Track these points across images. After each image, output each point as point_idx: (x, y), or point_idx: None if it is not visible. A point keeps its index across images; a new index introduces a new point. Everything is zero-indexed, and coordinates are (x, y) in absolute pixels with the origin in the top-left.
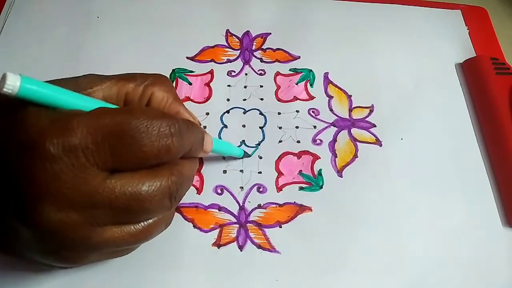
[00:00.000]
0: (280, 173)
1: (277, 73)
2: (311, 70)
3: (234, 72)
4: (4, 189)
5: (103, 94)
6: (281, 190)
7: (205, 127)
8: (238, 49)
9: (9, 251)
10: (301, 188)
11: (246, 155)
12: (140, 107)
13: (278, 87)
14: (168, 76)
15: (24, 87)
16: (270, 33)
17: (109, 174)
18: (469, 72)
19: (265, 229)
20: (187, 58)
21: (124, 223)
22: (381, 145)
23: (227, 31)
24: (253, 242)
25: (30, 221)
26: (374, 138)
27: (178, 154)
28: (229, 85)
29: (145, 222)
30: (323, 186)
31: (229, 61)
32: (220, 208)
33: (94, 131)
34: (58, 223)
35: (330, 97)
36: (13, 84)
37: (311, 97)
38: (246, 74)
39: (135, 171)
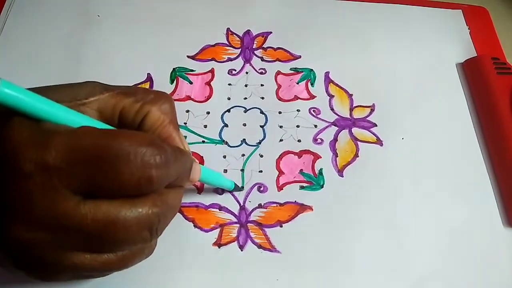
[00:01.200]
0: (281, 172)
1: (278, 72)
2: (312, 70)
3: (235, 70)
4: None
5: (98, 106)
6: (282, 189)
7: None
8: (238, 48)
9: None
10: (301, 188)
11: (237, 188)
12: (127, 131)
13: (279, 86)
14: (169, 75)
15: (3, 92)
16: (271, 32)
17: (82, 199)
18: (470, 71)
19: (266, 229)
20: (188, 57)
21: (96, 251)
22: (382, 145)
23: (228, 29)
24: (253, 242)
25: (0, 236)
26: (375, 137)
27: (162, 185)
28: (229, 84)
29: (120, 252)
30: (324, 186)
31: (229, 59)
32: (221, 208)
33: (71, 152)
34: (26, 242)
35: (331, 96)
36: None
37: (312, 96)
38: (247, 73)
39: (113, 199)
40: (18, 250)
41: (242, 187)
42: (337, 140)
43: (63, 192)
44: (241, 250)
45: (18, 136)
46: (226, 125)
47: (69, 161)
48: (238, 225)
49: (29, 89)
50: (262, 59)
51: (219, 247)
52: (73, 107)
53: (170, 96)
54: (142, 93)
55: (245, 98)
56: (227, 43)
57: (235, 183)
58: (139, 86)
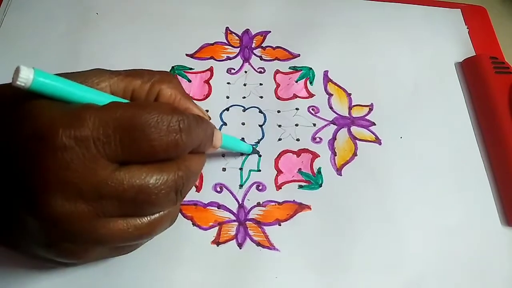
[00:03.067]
0: (279, 171)
1: (277, 71)
2: (310, 68)
3: (234, 69)
4: (12, 181)
5: (110, 90)
6: (281, 188)
7: (207, 110)
8: (237, 47)
9: (14, 245)
10: (300, 187)
11: (255, 151)
12: (152, 102)
13: (278, 85)
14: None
15: (37, 80)
16: (270, 31)
17: (118, 166)
18: (469, 71)
19: (265, 227)
20: (187, 55)
21: (130, 216)
22: (380, 144)
23: (227, 28)
24: (252, 240)
25: (38, 210)
26: (374, 136)
27: (186, 150)
28: (228, 83)
29: (151, 217)
30: (323, 185)
31: (228, 58)
32: (219, 206)
33: (105, 123)
34: (66, 212)
35: (330, 95)
36: (26, 77)
37: (311, 95)
38: (245, 72)
39: (143, 164)
40: (57, 222)
41: (259, 153)
42: (335, 139)
43: (101, 161)
44: (240, 248)
45: (51, 113)
46: (224, 124)
47: (104, 132)
48: (236, 223)
49: None
50: (261, 58)
51: (217, 245)
52: None
53: (172, 74)
54: (149, 74)
55: (244, 97)
56: (226, 42)
57: (253, 147)
58: None
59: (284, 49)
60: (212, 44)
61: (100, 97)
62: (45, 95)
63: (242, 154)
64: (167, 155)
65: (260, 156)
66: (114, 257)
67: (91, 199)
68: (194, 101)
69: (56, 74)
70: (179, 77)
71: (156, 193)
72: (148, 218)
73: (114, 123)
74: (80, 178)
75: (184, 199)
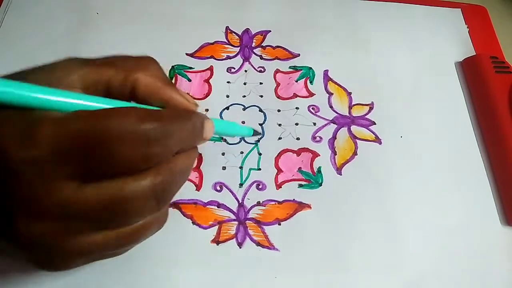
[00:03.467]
0: (279, 170)
1: (277, 71)
2: (310, 68)
3: (234, 68)
4: None
5: (82, 84)
6: (281, 187)
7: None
8: (237, 46)
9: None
10: (300, 186)
11: (256, 133)
12: (117, 109)
13: (278, 84)
14: (167, 72)
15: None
16: (270, 31)
17: (82, 183)
18: (469, 70)
19: (264, 227)
20: (187, 54)
21: (107, 228)
22: (380, 143)
23: (227, 28)
24: (252, 239)
25: (9, 235)
26: (374, 136)
27: (163, 158)
28: (228, 82)
29: (131, 226)
30: (323, 184)
31: (228, 57)
32: (219, 205)
33: (60, 141)
34: (36, 234)
35: (330, 94)
36: None
37: (311, 94)
38: (245, 71)
39: (113, 177)
40: (30, 244)
41: (262, 133)
42: (336, 138)
43: (59, 181)
44: (240, 248)
45: (6, 131)
46: None
47: (58, 151)
48: (236, 222)
49: (4, 76)
50: (261, 58)
51: (217, 244)
52: None
53: (151, 57)
54: (122, 61)
55: (244, 96)
56: (226, 41)
57: (254, 129)
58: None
59: (284, 49)
60: (212, 43)
61: (67, 98)
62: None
63: (241, 152)
64: (139, 168)
65: (262, 136)
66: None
67: (58, 218)
68: (195, 99)
69: (23, 70)
70: (179, 76)
71: (131, 203)
72: (130, 227)
73: (71, 139)
74: (42, 199)
75: (184, 198)
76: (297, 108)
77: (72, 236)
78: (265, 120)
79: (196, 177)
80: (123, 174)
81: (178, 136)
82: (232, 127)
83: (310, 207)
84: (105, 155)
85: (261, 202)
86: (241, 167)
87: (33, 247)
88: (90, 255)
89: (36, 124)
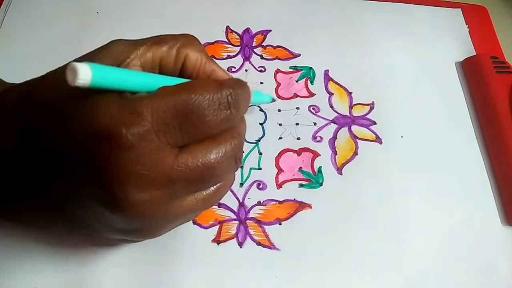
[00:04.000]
0: (280, 170)
1: (277, 71)
2: (311, 68)
3: (234, 68)
4: (78, 176)
5: (140, 62)
6: (281, 187)
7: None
8: (238, 46)
9: (86, 233)
10: (301, 185)
11: (274, 100)
12: (198, 81)
13: (278, 84)
14: None
15: (96, 76)
16: (271, 30)
17: (179, 150)
18: (469, 70)
19: (265, 226)
20: None
21: (197, 191)
22: (381, 143)
23: (227, 27)
24: (252, 239)
25: (117, 206)
26: (374, 135)
27: (237, 120)
28: None
29: (214, 186)
30: (323, 184)
31: (229, 57)
32: (220, 205)
33: (163, 113)
34: (143, 203)
35: (331, 94)
36: (85, 76)
37: (312, 94)
38: (246, 70)
39: (201, 143)
40: (136, 213)
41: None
42: (336, 138)
43: (165, 149)
44: (240, 247)
45: (109, 112)
46: None
47: (163, 122)
48: (237, 222)
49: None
50: (262, 57)
51: (218, 244)
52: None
53: (193, 36)
54: (173, 39)
55: None
56: (227, 40)
57: (272, 97)
58: None
59: (285, 49)
60: (213, 43)
61: (150, 80)
62: (99, 88)
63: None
64: (221, 130)
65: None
66: (113, 255)
67: (163, 185)
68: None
69: (81, 57)
70: None
71: (219, 165)
72: (213, 188)
73: (171, 111)
74: (150, 169)
75: None
76: (297, 108)
77: (172, 201)
78: (265, 119)
79: None
80: (207, 138)
81: (244, 101)
82: (258, 95)
83: (311, 207)
84: (196, 122)
85: (261, 201)
86: (241, 167)
87: (138, 216)
88: (183, 220)
89: (138, 102)
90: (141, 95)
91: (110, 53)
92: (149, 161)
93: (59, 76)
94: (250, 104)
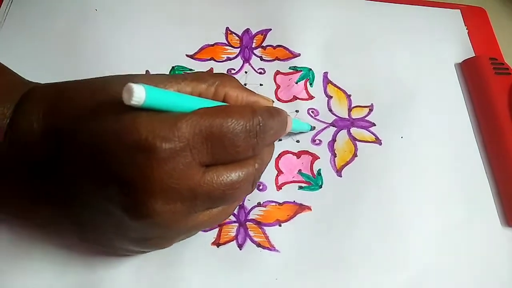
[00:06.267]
0: (279, 172)
1: (277, 72)
2: (310, 69)
3: (234, 70)
4: (106, 181)
5: None
6: (281, 188)
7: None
8: (238, 47)
9: (96, 242)
10: (300, 188)
11: (312, 128)
12: (234, 106)
13: (278, 86)
14: (168, 73)
15: (149, 98)
16: (271, 29)
17: (206, 168)
18: (468, 72)
19: (265, 228)
20: (187, 56)
21: (213, 208)
22: (380, 144)
23: (227, 28)
24: (252, 241)
25: (143, 215)
26: (374, 137)
27: (262, 148)
28: None
29: (231, 204)
30: (323, 186)
31: (228, 59)
32: None
33: (199, 132)
34: (166, 214)
35: (330, 97)
36: (139, 96)
37: (311, 97)
38: (246, 72)
39: (226, 164)
40: (157, 223)
41: (314, 127)
42: (335, 141)
43: (195, 166)
44: (240, 249)
45: (150, 125)
46: None
47: (198, 140)
48: (237, 224)
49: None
50: (261, 59)
51: (218, 247)
52: None
53: (230, 75)
54: (211, 77)
55: None
56: (226, 42)
57: (311, 125)
58: None
59: (285, 48)
60: (212, 45)
61: (191, 102)
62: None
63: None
64: (246, 156)
65: (314, 128)
66: (110, 259)
67: (188, 200)
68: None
69: (123, 76)
70: None
71: (238, 187)
72: (223, 206)
73: (206, 131)
74: (179, 183)
75: None
76: (297, 111)
77: (190, 215)
78: None
79: None
80: (233, 161)
81: (272, 131)
82: (296, 122)
83: (310, 209)
84: (227, 145)
85: (261, 203)
86: None
87: (160, 225)
88: (194, 233)
89: (175, 121)
90: (181, 115)
91: (151, 79)
92: (180, 176)
93: (95, 85)
94: (288, 131)
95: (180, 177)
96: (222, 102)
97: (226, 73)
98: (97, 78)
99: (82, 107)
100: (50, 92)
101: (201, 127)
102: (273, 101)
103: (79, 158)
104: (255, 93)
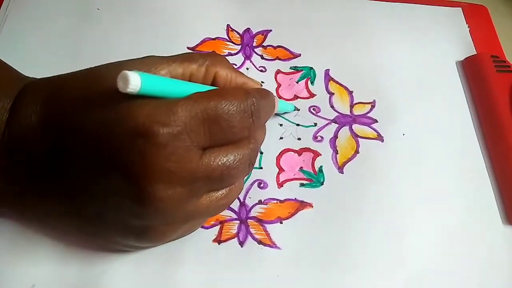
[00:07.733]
0: (281, 169)
1: (278, 71)
2: (311, 68)
3: (236, 65)
4: (107, 168)
5: (170, 75)
6: (282, 186)
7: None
8: (239, 44)
9: (95, 235)
10: (302, 185)
11: (297, 108)
12: (228, 90)
13: (279, 85)
14: None
15: (145, 84)
16: (271, 30)
17: (203, 151)
18: (470, 69)
19: (266, 225)
20: (188, 48)
21: (213, 191)
22: (382, 141)
23: (228, 26)
24: (253, 238)
25: (144, 199)
26: (376, 133)
27: (257, 128)
28: None
29: (227, 189)
30: (324, 183)
31: (230, 54)
32: None
33: (195, 116)
34: (167, 198)
35: (331, 94)
36: (136, 84)
37: (312, 95)
38: (247, 69)
39: (222, 146)
40: (159, 208)
41: (298, 108)
42: (337, 137)
43: (193, 149)
44: (241, 247)
45: (146, 111)
46: None
47: (195, 124)
48: (238, 221)
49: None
50: (262, 57)
51: (219, 244)
52: None
53: (220, 54)
54: (201, 58)
55: None
56: (228, 38)
57: (294, 106)
58: None
59: (285, 48)
60: (214, 39)
61: (189, 88)
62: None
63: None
64: (241, 136)
65: (298, 110)
66: (113, 255)
67: (187, 183)
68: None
69: (115, 64)
70: None
71: (236, 167)
72: (225, 190)
73: (202, 114)
74: (179, 167)
75: None
76: (298, 109)
77: (190, 199)
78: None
79: None
80: (229, 142)
81: (265, 111)
82: (281, 103)
83: (312, 206)
84: (223, 126)
85: (262, 200)
86: None
87: (161, 210)
88: (197, 219)
89: (171, 106)
90: (177, 100)
91: (143, 63)
92: (179, 159)
93: (89, 75)
94: (275, 112)
95: (179, 161)
96: (213, 81)
97: (216, 53)
98: (92, 68)
99: (78, 96)
100: (47, 85)
101: (197, 110)
102: (262, 83)
103: (79, 147)
104: (244, 74)
